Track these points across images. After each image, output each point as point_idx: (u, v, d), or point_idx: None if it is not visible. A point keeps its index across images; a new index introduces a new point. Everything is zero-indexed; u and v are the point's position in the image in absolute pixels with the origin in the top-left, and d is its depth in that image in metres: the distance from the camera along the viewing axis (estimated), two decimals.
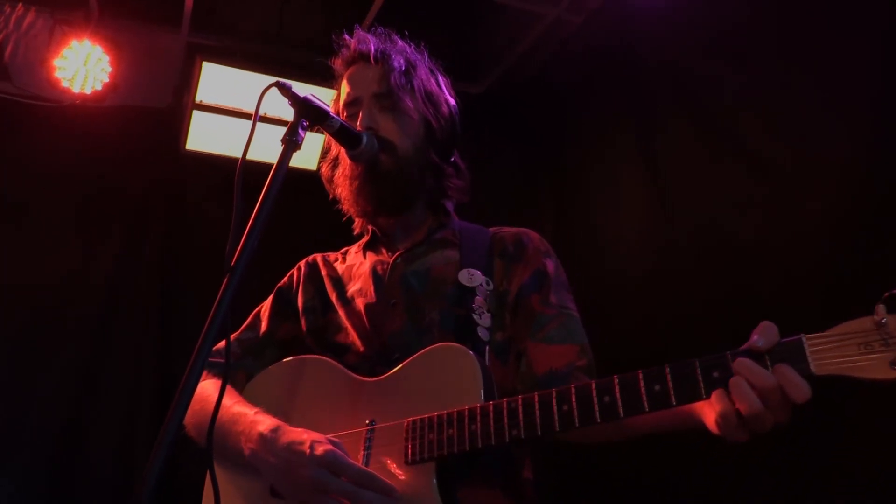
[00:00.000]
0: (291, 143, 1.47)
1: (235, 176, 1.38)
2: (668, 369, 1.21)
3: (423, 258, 1.84)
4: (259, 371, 1.89)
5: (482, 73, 4.42)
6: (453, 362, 1.52)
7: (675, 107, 3.49)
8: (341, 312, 1.83)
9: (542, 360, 1.67)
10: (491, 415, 1.37)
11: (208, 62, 3.83)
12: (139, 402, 3.95)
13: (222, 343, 1.92)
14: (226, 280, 1.28)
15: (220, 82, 3.92)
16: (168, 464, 1.11)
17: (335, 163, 1.90)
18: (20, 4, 3.52)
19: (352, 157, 1.74)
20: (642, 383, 1.22)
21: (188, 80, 3.96)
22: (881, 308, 1.08)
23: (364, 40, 1.86)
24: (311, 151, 4.24)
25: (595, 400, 1.27)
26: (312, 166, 4.31)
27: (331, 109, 1.60)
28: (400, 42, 1.90)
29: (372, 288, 1.82)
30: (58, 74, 3.71)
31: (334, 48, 1.92)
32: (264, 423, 1.61)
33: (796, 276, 2.76)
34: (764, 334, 1.17)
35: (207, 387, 1.82)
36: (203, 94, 3.94)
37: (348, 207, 1.87)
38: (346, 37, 1.90)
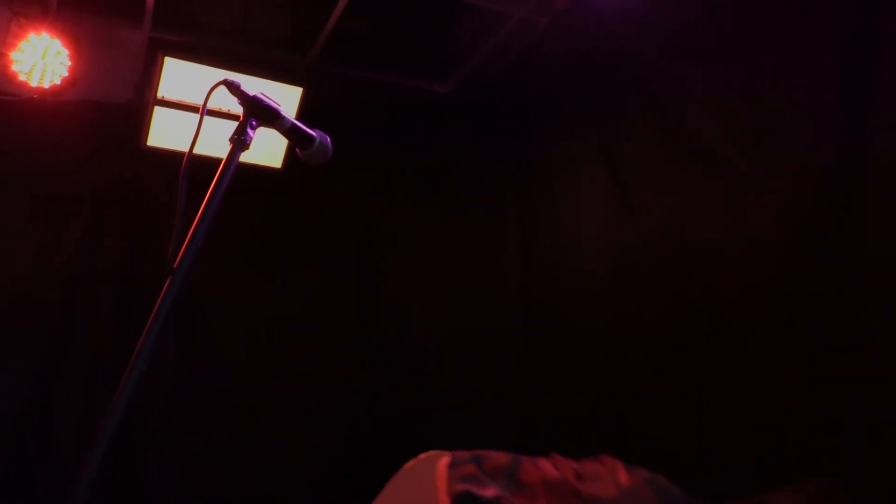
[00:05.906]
0: (239, 142, 1.45)
1: (180, 177, 1.36)
2: None
3: None
4: None
5: (449, 72, 4.40)
6: None
7: (639, 108, 3.51)
8: None
9: None
10: None
11: (171, 58, 3.77)
12: (98, 392, 3.96)
13: None
14: (167, 282, 1.26)
15: (182, 78, 3.86)
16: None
17: None
18: None
19: (303, 157, 1.71)
20: None
21: (150, 76, 3.89)
22: None
23: None
24: (277, 149, 4.20)
25: None
26: (278, 164, 4.27)
27: (281, 108, 1.57)
28: None
29: None
30: (15, 67, 3.63)
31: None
32: None
33: (755, 278, 2.79)
34: None
35: None
36: (165, 90, 3.88)
37: None
38: None
